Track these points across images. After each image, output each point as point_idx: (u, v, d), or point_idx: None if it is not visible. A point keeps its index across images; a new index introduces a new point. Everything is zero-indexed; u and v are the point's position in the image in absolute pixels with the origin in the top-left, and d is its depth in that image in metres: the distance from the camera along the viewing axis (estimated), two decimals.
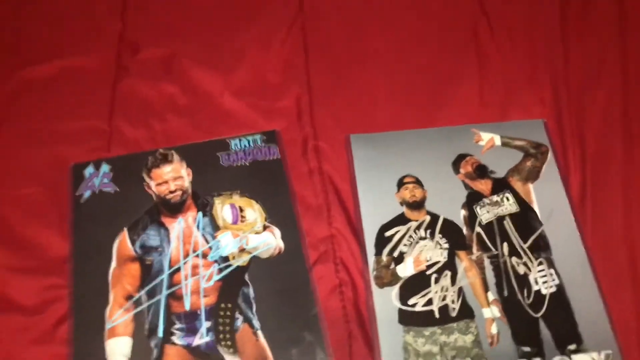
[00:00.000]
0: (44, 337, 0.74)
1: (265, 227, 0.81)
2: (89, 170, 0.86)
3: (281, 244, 0.79)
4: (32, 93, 0.95)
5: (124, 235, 0.80)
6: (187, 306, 0.75)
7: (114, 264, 0.78)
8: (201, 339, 0.73)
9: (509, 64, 0.96)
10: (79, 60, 0.98)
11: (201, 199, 0.83)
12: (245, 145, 0.88)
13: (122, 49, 0.99)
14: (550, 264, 0.77)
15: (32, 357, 0.72)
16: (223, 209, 0.82)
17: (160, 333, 0.74)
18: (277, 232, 0.80)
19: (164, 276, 0.77)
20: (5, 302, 0.76)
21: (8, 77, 0.96)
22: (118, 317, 0.75)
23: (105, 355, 0.72)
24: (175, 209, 0.82)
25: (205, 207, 0.82)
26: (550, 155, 0.86)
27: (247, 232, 0.80)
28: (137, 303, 0.75)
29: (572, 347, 0.71)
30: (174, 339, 0.73)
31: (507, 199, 0.82)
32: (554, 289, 0.76)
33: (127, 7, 1.04)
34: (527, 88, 0.93)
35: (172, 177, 0.83)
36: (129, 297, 0.76)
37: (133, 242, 0.79)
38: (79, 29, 1.03)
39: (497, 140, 0.87)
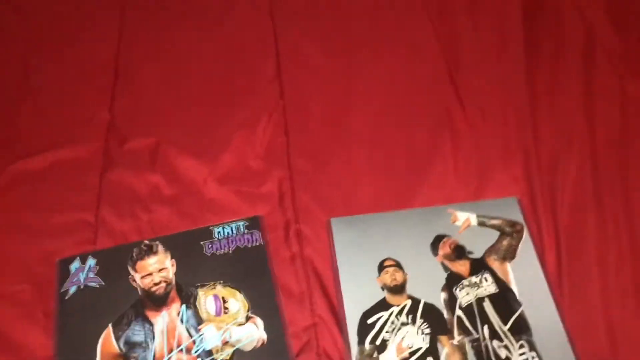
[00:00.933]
0: None
1: (248, 318, 0.81)
2: (75, 265, 0.87)
3: (264, 335, 0.80)
4: (23, 186, 0.98)
5: (109, 332, 0.80)
6: None
7: None
8: None
9: (481, 142, 1.00)
10: (69, 150, 1.01)
11: (185, 290, 0.84)
12: (228, 233, 0.90)
13: (110, 139, 1.03)
14: (532, 346, 0.78)
15: None
16: (206, 301, 0.83)
17: None
18: (260, 322, 0.81)
19: None
20: None
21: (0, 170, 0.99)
22: None
23: None
24: (160, 301, 0.83)
25: (189, 299, 0.83)
26: (525, 233, 0.88)
27: (230, 324, 0.81)
28: None
29: None
30: None
31: (486, 279, 0.84)
32: None
33: (116, 95, 1.09)
34: (500, 165, 0.96)
35: (157, 268, 0.85)
36: None
37: (117, 339, 0.80)
38: (69, 118, 1.07)
39: (473, 220, 0.89)
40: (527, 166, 0.96)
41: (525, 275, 0.84)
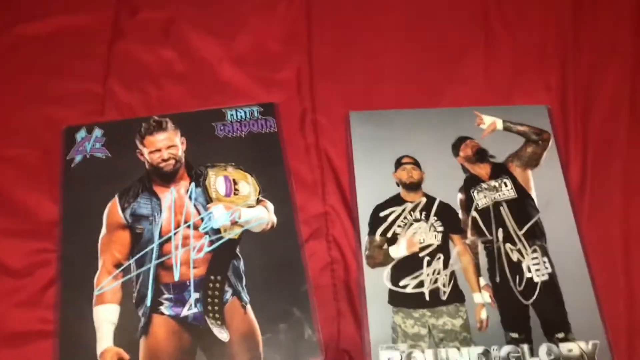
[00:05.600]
0: (31, 301, 0.73)
1: (258, 201, 0.79)
2: (80, 134, 0.84)
3: (274, 219, 0.78)
4: (28, 50, 0.92)
5: (115, 202, 0.79)
6: (177, 277, 0.74)
7: (103, 230, 0.77)
8: (189, 310, 0.73)
9: (517, 46, 0.93)
10: (76, 18, 0.95)
11: (194, 169, 0.81)
12: (241, 117, 0.86)
13: (120, 9, 0.95)
14: (544, 252, 0.77)
15: (18, 320, 0.72)
16: (216, 181, 0.80)
17: (148, 302, 0.73)
18: (271, 206, 0.79)
19: (154, 246, 0.76)
20: None
21: (4, 31, 0.93)
22: (106, 284, 0.74)
23: (93, 322, 0.71)
24: (168, 178, 0.80)
25: (198, 178, 0.80)
26: (552, 142, 0.84)
27: (240, 205, 0.79)
28: (126, 271, 0.75)
29: (560, 335, 0.71)
30: (162, 309, 0.73)
31: (506, 184, 0.81)
32: (546, 277, 0.75)
33: None
34: (534, 71, 0.91)
35: (166, 145, 0.81)
36: (118, 265, 0.75)
37: (124, 210, 0.78)
38: None
39: (499, 125, 0.85)
40: (562, 74, 0.91)
41: (547, 184, 0.81)
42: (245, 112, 0.86)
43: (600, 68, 0.91)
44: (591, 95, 0.89)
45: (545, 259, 0.76)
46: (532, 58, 0.92)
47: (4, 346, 0.70)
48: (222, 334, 0.72)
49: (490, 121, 0.85)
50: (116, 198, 0.79)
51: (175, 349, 0.71)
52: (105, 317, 0.72)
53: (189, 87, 0.89)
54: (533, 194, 0.81)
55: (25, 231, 0.78)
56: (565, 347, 0.71)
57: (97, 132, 0.84)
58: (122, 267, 0.75)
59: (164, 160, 0.81)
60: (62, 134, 0.84)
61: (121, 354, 0.70)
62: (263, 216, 0.78)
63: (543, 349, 0.71)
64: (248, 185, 0.81)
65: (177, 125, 0.83)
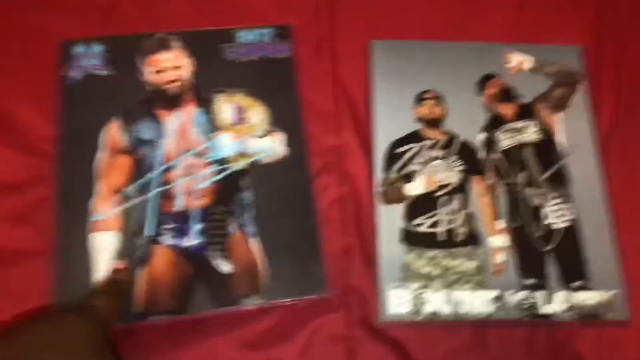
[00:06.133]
0: (21, 218, 0.69)
1: (268, 131, 0.75)
2: (79, 49, 0.77)
3: (284, 150, 0.74)
4: None
5: (115, 124, 0.73)
6: (179, 206, 0.70)
7: (102, 154, 0.72)
8: (191, 240, 0.69)
9: None
10: None
11: (202, 93, 0.76)
12: (253, 39, 0.79)
13: None
14: (567, 199, 0.73)
15: (8, 236, 0.68)
16: (224, 108, 0.75)
17: (148, 232, 0.69)
18: (281, 137, 0.74)
19: (156, 173, 0.71)
20: None
21: None
22: (104, 210, 0.70)
23: (89, 248, 0.68)
24: (172, 101, 0.75)
25: (205, 104, 0.75)
26: (583, 85, 0.79)
27: (249, 135, 0.74)
28: (126, 198, 0.70)
29: (578, 283, 0.69)
30: (163, 239, 0.69)
31: (531, 126, 0.76)
32: (566, 224, 0.72)
33: None
34: (569, 8, 0.85)
35: (171, 65, 0.76)
36: (117, 191, 0.71)
37: (124, 133, 0.73)
38: None
39: (528, 64, 0.79)
40: (599, 13, 0.84)
41: (574, 128, 0.77)
42: (257, 35, 0.79)
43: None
44: (629, 37, 0.83)
45: (568, 206, 0.72)
46: None
47: None
48: (225, 266, 0.69)
49: (518, 59, 0.80)
50: (116, 120, 0.74)
51: (175, 280, 0.68)
52: (103, 245, 0.68)
53: (197, 3, 0.82)
54: (559, 138, 0.76)
55: (16, 145, 0.73)
56: (582, 296, 0.68)
57: (97, 47, 0.78)
58: (122, 194, 0.71)
59: (168, 82, 0.75)
60: (59, 47, 0.77)
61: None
62: (273, 147, 0.74)
63: (559, 296, 0.68)
64: (258, 114, 0.75)
65: (184, 45, 0.77)
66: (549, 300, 0.68)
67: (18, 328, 0.49)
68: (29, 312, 0.63)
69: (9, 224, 0.69)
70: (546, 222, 0.72)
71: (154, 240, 0.69)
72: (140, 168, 0.72)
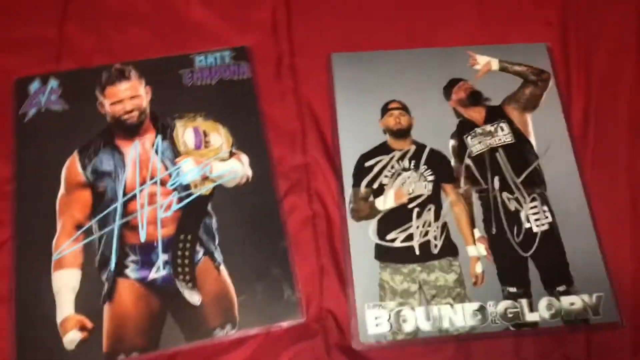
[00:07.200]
0: None
1: (231, 154, 0.72)
2: (34, 86, 0.76)
3: (249, 172, 0.71)
4: None
5: (74, 158, 0.71)
6: (143, 237, 0.68)
7: (62, 190, 0.70)
8: (157, 272, 0.67)
9: None
10: None
11: (161, 121, 0.74)
12: (211, 62, 0.78)
13: None
14: (544, 201, 0.70)
15: None
16: (185, 133, 0.73)
17: (112, 266, 0.67)
18: (245, 158, 0.72)
19: (118, 204, 0.69)
20: None
21: None
22: (66, 247, 0.67)
23: (52, 288, 0.65)
24: (132, 131, 0.73)
25: (165, 130, 0.73)
26: (552, 83, 0.77)
27: (211, 158, 0.72)
28: (88, 233, 0.68)
29: (562, 288, 0.66)
30: (128, 272, 0.67)
31: (502, 129, 0.74)
32: (546, 227, 0.69)
33: None
34: (533, 7, 0.83)
35: (129, 95, 0.74)
36: (78, 227, 0.68)
37: (84, 167, 0.71)
38: None
39: (495, 65, 0.77)
40: (564, 9, 0.83)
41: (547, 127, 0.74)
42: (215, 58, 0.78)
43: (605, 1, 0.83)
44: (595, 32, 0.82)
45: (545, 208, 0.70)
46: None
47: None
48: (194, 297, 0.66)
49: (485, 61, 0.78)
50: (75, 154, 0.72)
51: (142, 315, 0.65)
52: (66, 283, 0.66)
53: (154, 30, 0.81)
54: (532, 139, 0.74)
55: None
56: (567, 301, 0.65)
57: (53, 82, 0.76)
58: (84, 229, 0.68)
59: (127, 112, 0.73)
60: (14, 85, 0.76)
61: (83, 321, 0.64)
62: (237, 170, 0.71)
63: (543, 303, 0.65)
64: (220, 137, 0.73)
65: (141, 74, 0.76)
66: (533, 308, 0.65)
67: None
68: None
69: None
70: (525, 226, 0.69)
71: (118, 274, 0.66)
72: (101, 200, 0.70)
